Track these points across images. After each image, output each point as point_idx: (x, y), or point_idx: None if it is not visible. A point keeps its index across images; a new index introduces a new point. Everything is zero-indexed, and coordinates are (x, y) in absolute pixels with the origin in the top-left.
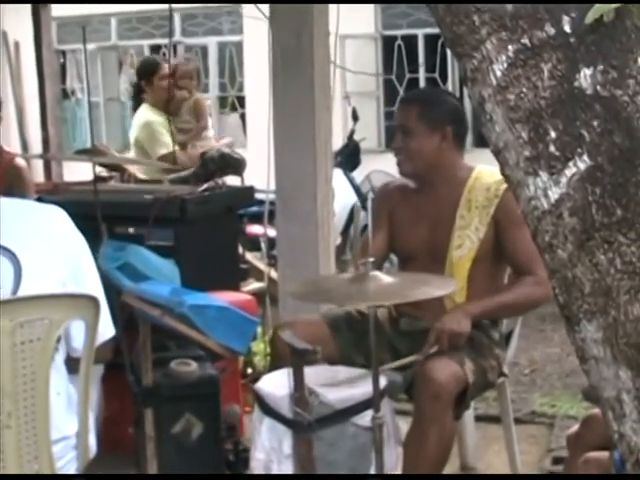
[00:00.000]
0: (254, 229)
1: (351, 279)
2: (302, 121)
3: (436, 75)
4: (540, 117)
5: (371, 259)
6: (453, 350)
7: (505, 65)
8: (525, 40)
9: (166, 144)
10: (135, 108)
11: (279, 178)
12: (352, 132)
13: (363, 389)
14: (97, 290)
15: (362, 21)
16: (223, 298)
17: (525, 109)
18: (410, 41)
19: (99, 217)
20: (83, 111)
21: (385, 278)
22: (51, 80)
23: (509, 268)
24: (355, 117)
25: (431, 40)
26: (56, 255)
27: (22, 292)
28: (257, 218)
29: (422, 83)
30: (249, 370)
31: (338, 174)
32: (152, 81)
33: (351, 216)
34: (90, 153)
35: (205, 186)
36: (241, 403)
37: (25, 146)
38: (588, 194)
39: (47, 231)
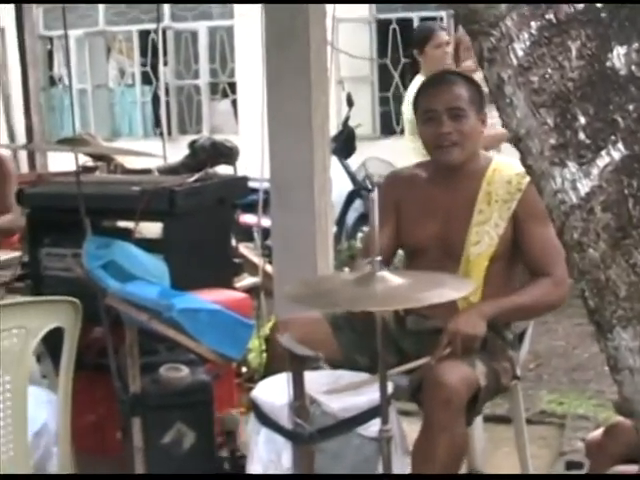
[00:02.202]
0: (247, 219)
1: (356, 280)
2: (297, 104)
3: None
4: (567, 101)
5: (378, 257)
6: (466, 353)
7: (527, 43)
8: (550, 15)
9: None
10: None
11: (273, 166)
12: (347, 118)
13: (368, 397)
14: None
15: (356, 4)
16: (215, 298)
17: (550, 92)
18: (405, 25)
19: (82, 211)
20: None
21: (394, 279)
22: (34, 67)
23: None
24: (350, 103)
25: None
26: None
27: None
28: (250, 207)
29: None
30: (244, 369)
31: (333, 161)
32: (425, 50)
33: (347, 204)
34: (73, 143)
35: (195, 176)
36: (235, 404)
37: (12, 135)
38: (624, 187)
39: None
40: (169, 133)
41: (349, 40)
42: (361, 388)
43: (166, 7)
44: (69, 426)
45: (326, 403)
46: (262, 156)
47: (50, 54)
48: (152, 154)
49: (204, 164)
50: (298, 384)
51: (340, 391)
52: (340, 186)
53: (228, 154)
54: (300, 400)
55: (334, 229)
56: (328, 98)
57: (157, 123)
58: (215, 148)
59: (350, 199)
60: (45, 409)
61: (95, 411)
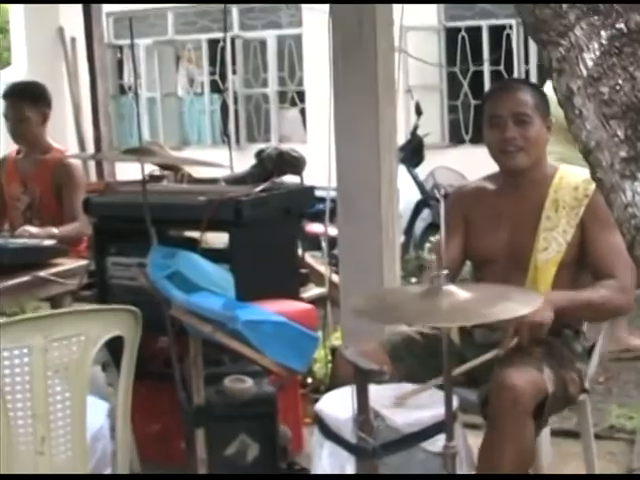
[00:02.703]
0: (314, 228)
1: (422, 294)
2: (364, 115)
3: (501, 68)
4: (639, 112)
5: (445, 271)
6: (533, 346)
7: (597, 53)
8: (620, 25)
9: None
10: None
11: (340, 176)
12: (415, 127)
13: (433, 411)
14: None
15: (425, 12)
16: (280, 309)
17: (621, 103)
18: (474, 33)
19: (148, 220)
20: (140, 106)
21: (460, 293)
22: (103, 76)
23: None
24: (418, 111)
25: (496, 32)
26: None
27: None
28: (318, 216)
29: (486, 76)
30: (309, 380)
31: (401, 170)
32: None
33: (415, 214)
34: (139, 152)
35: (262, 187)
36: (300, 414)
37: (82, 144)
38: None
39: None
40: (237, 142)
41: (418, 48)
42: (425, 391)
43: (235, 16)
44: (129, 434)
45: (390, 417)
46: (329, 165)
47: (120, 63)
48: (218, 164)
49: (271, 174)
50: (362, 398)
51: (406, 398)
52: (408, 195)
53: (295, 164)
54: (364, 414)
55: (402, 239)
56: (396, 108)
57: (225, 132)
58: (282, 158)
59: (418, 209)
60: (104, 414)
61: (160, 420)
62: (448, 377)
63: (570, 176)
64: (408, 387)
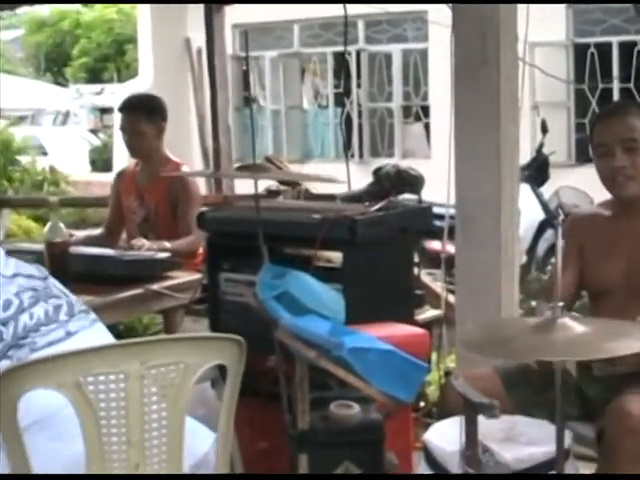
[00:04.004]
0: (434, 245)
1: (535, 327)
2: (486, 134)
3: (631, 85)
4: None
5: (560, 303)
6: None
7: None
8: None
9: None
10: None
11: (459, 196)
12: (541, 145)
13: (545, 447)
14: None
15: (553, 28)
16: (391, 333)
17: None
18: (604, 49)
19: (260, 237)
20: (264, 119)
21: (576, 327)
22: (223, 88)
23: None
24: (544, 129)
25: (626, 48)
26: None
27: None
28: (438, 233)
29: (616, 94)
30: (421, 403)
31: (525, 189)
32: None
33: (538, 234)
34: (253, 169)
35: (378, 205)
36: (411, 439)
37: (205, 155)
38: None
39: None
40: (360, 156)
41: (545, 65)
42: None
43: (360, 30)
44: (228, 462)
45: (500, 453)
46: (448, 182)
47: (246, 75)
48: (334, 180)
49: (388, 192)
50: (471, 431)
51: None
52: (531, 215)
53: (413, 182)
54: (472, 448)
55: (524, 259)
56: (519, 127)
57: (347, 147)
58: (399, 176)
59: (541, 228)
60: (209, 441)
61: (268, 439)
62: (561, 415)
63: None
64: (520, 422)
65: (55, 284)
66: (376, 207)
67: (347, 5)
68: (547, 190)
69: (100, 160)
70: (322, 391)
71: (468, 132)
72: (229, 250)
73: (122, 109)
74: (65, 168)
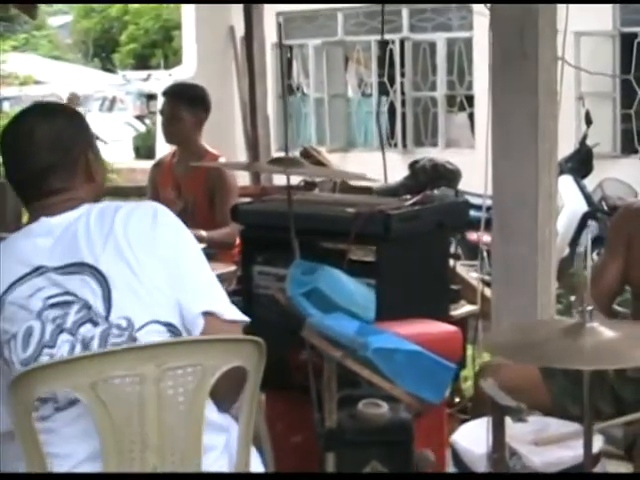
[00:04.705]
0: (474, 236)
1: (563, 331)
2: (523, 127)
3: None
4: None
5: (589, 307)
6: None
7: None
8: None
9: None
10: None
11: (496, 190)
12: (584, 136)
13: (575, 451)
14: (200, 294)
15: (599, 17)
16: (423, 330)
17: None
18: None
19: (292, 231)
20: (308, 107)
21: (606, 332)
22: (261, 77)
23: None
24: (588, 120)
25: None
26: (143, 255)
27: (116, 307)
28: (476, 225)
29: None
30: (457, 399)
31: (568, 181)
32: None
33: (581, 226)
34: (285, 163)
35: (413, 200)
36: (445, 436)
37: (248, 144)
38: None
39: (128, 233)
40: (404, 145)
41: (591, 54)
42: (567, 441)
43: (405, 18)
44: (247, 464)
45: (528, 456)
46: (486, 174)
47: (289, 62)
48: (367, 177)
49: (424, 186)
50: (498, 434)
51: (544, 444)
52: (574, 207)
53: (449, 177)
54: (499, 451)
55: (566, 251)
56: (557, 121)
57: (392, 134)
58: (436, 170)
59: (584, 221)
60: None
61: (301, 433)
62: (588, 419)
63: None
64: (551, 424)
65: None
66: (411, 201)
67: None
68: (591, 182)
69: (144, 147)
70: (352, 389)
71: (505, 127)
72: (263, 243)
73: (165, 93)
74: (109, 155)
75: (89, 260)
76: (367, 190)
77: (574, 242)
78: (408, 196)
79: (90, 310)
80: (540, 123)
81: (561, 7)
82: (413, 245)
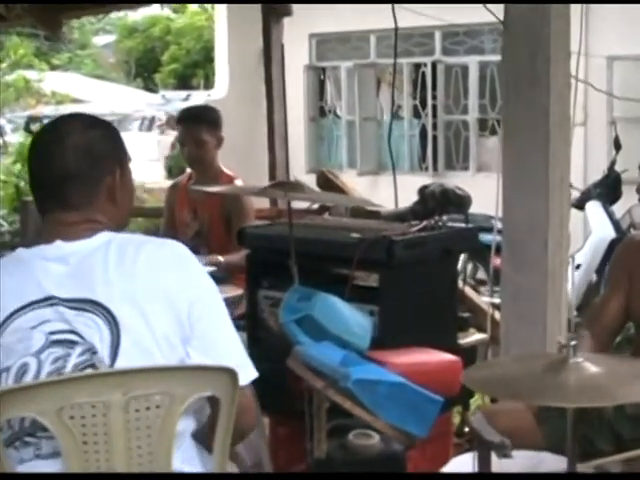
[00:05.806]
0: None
1: (545, 367)
2: (534, 153)
3: None
4: None
5: (573, 342)
6: None
7: None
8: None
9: None
10: None
11: (506, 218)
12: (613, 162)
13: None
14: (220, 346)
15: (633, 42)
16: (420, 359)
17: None
18: None
19: (292, 256)
20: (340, 129)
21: (589, 367)
22: (279, 101)
23: None
24: (617, 145)
25: None
26: (160, 305)
27: (123, 356)
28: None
29: None
30: (466, 428)
31: (597, 207)
32: None
33: (608, 253)
34: (286, 188)
35: (420, 225)
36: None
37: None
38: None
39: (148, 279)
40: (435, 169)
41: (625, 79)
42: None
43: (437, 41)
44: None
45: None
46: (497, 197)
47: (322, 84)
48: (371, 203)
49: (432, 212)
50: (484, 469)
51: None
52: (602, 233)
53: (458, 203)
54: None
55: (594, 278)
56: (570, 148)
57: (424, 158)
58: (445, 196)
59: (612, 248)
60: None
61: (305, 461)
62: (572, 460)
63: None
64: (546, 460)
65: None
66: (417, 227)
67: (424, 16)
68: (620, 208)
69: (176, 167)
70: (344, 418)
71: (516, 152)
72: (268, 267)
73: (182, 120)
74: (141, 175)
75: (102, 300)
76: (378, 215)
77: (601, 269)
78: (416, 222)
79: (94, 356)
80: (551, 148)
81: (576, 29)
82: (417, 272)
